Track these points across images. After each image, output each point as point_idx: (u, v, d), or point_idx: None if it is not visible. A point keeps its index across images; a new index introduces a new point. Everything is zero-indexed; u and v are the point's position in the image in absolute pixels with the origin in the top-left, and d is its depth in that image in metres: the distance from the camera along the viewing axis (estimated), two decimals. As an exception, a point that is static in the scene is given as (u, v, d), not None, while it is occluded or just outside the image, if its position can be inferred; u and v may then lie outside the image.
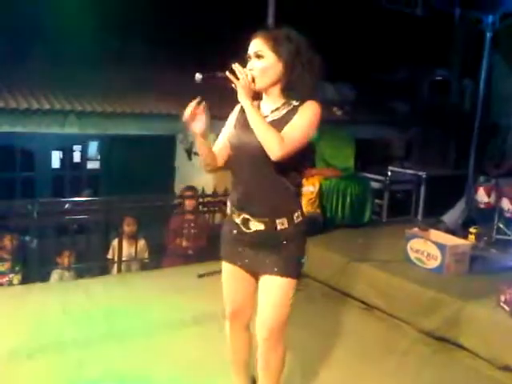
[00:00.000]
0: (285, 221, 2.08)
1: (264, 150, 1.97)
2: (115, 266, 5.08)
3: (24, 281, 4.87)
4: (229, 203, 2.22)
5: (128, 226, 5.35)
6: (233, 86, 2.01)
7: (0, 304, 3.75)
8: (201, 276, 4.33)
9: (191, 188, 5.87)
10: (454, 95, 9.20)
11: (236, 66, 2.02)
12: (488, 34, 5.79)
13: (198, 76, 1.98)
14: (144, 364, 2.97)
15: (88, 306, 3.75)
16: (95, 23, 7.02)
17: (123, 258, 5.11)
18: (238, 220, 2.13)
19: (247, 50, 2.09)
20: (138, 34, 7.87)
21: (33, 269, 5.02)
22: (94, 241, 5.36)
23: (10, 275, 5.04)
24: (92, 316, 3.57)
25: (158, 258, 5.48)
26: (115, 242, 5.17)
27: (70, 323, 3.44)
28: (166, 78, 7.57)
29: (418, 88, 9.69)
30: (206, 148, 2.13)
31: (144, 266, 5.35)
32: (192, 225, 5.38)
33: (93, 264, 5.10)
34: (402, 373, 3.07)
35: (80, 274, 5.06)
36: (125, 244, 5.23)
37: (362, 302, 4.00)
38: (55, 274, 5.17)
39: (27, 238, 5.40)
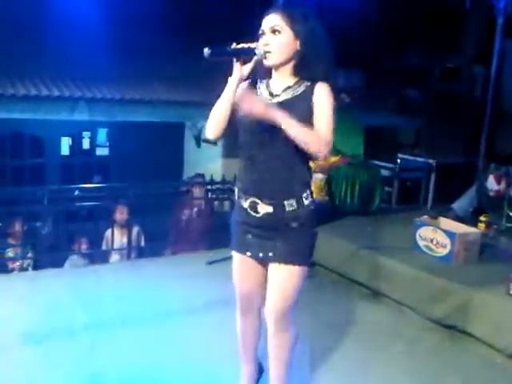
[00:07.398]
0: (293, 202, 2.05)
1: (280, 135, 1.93)
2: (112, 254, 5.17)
3: (35, 266, 4.92)
4: (236, 189, 2.17)
5: (120, 215, 5.35)
6: (243, 61, 1.98)
7: (12, 289, 3.79)
8: (210, 263, 4.35)
9: (200, 175, 5.98)
10: (465, 82, 9.10)
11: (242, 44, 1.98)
12: (500, 20, 5.71)
13: (207, 51, 1.90)
14: (155, 350, 2.99)
15: (99, 291, 3.78)
16: (105, 11, 7.00)
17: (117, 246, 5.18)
18: (245, 205, 2.10)
19: (257, 34, 2.04)
20: (148, 22, 7.83)
21: (44, 254, 5.07)
22: (103, 227, 5.41)
23: (22, 260, 5.10)
24: (103, 302, 3.60)
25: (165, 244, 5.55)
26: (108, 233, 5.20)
27: (81, 309, 3.46)
28: (176, 65, 7.56)
29: (429, 75, 9.59)
30: (229, 101, 2.04)
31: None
32: (195, 210, 5.50)
33: (104, 250, 5.14)
34: (410, 360, 3.08)
35: (91, 260, 5.10)
36: (117, 233, 5.27)
37: (371, 290, 4.01)
38: (68, 260, 5.22)
39: (38, 224, 5.46)
